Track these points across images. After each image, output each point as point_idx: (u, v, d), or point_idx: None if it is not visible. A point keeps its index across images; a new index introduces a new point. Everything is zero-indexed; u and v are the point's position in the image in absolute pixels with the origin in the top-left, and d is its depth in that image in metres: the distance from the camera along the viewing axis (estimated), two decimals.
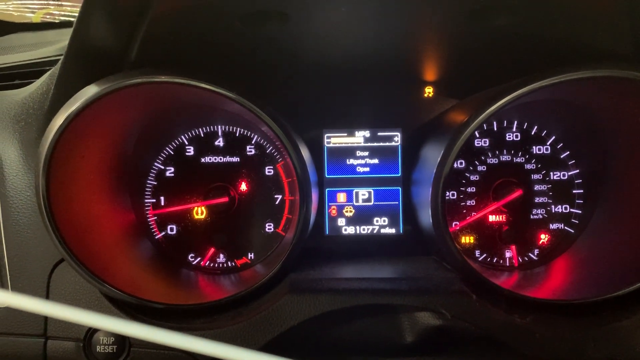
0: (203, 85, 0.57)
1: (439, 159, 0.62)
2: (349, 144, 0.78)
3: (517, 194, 0.73)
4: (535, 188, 0.75)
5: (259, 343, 0.60)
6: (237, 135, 0.76)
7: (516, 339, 0.58)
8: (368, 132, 0.77)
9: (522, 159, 0.75)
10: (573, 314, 0.61)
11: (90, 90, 0.55)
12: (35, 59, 0.83)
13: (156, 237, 0.76)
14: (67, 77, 0.61)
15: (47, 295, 0.62)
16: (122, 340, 0.61)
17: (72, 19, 1.16)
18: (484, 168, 0.76)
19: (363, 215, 0.78)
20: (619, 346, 0.58)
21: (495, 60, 0.67)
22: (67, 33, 0.58)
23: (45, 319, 0.62)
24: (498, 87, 0.61)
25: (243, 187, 0.76)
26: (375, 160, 0.78)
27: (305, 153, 0.67)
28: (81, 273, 0.58)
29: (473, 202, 0.76)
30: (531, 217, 0.76)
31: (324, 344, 0.59)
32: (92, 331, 0.61)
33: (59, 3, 1.25)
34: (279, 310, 0.60)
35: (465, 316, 0.59)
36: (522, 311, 0.61)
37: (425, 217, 0.66)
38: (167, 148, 0.75)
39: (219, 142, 0.76)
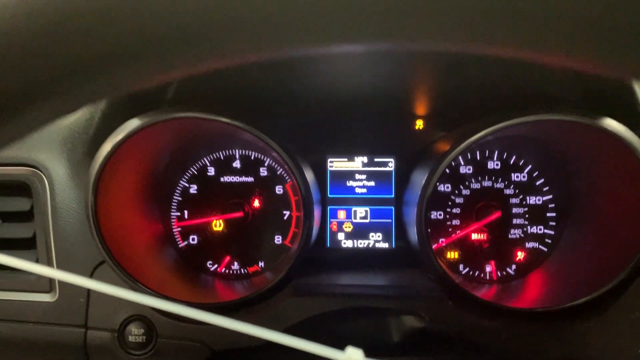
0: (223, 119, 0.69)
1: (423, 182, 0.73)
2: (349, 168, 0.88)
3: (495, 215, 0.83)
4: (513, 211, 0.85)
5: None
6: (252, 158, 0.87)
7: (484, 339, 0.68)
8: (366, 158, 0.88)
9: (502, 185, 0.85)
10: (538, 319, 0.71)
11: (133, 123, 0.67)
12: None
13: (180, 246, 0.87)
14: (111, 111, 0.74)
15: (88, 292, 0.74)
16: (150, 332, 0.72)
17: None
18: (468, 192, 0.85)
19: (360, 231, 0.88)
20: (575, 346, 0.67)
21: (475, 98, 0.78)
22: None
23: (86, 312, 0.73)
24: (468, 126, 0.72)
25: (256, 203, 0.87)
26: (372, 183, 0.88)
27: (309, 175, 0.78)
28: (118, 273, 0.69)
29: (458, 222, 0.85)
30: (509, 236, 0.85)
31: (322, 339, 0.69)
32: (125, 323, 0.72)
33: None
34: (284, 310, 0.70)
35: (441, 319, 0.70)
36: (493, 316, 0.71)
37: (413, 234, 0.77)
38: (192, 169, 0.86)
39: (236, 164, 0.87)
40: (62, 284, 0.73)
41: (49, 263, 0.74)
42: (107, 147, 0.68)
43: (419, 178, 0.76)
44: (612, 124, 0.64)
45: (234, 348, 0.71)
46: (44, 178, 0.76)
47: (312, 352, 0.46)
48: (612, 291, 0.67)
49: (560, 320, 0.69)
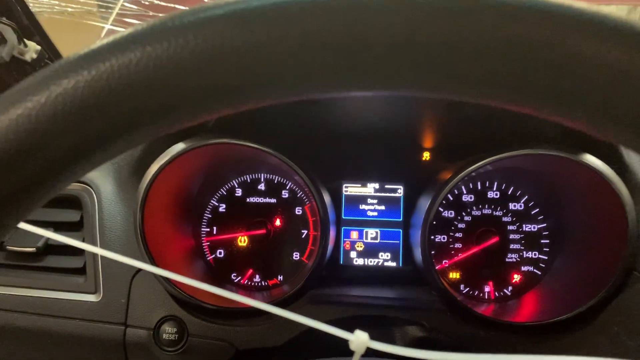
0: (256, 146, 0.79)
1: (427, 208, 0.82)
2: (362, 193, 0.97)
3: (493, 240, 0.92)
4: (510, 237, 0.93)
5: (285, 339, 0.79)
6: (275, 182, 0.97)
7: (478, 347, 0.76)
8: (377, 184, 0.97)
9: (501, 213, 0.94)
10: (528, 332, 0.78)
11: (178, 147, 0.78)
12: None
13: (208, 259, 0.97)
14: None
15: (128, 294, 0.83)
16: (182, 331, 0.81)
17: None
18: (469, 218, 0.94)
19: (370, 250, 0.97)
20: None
21: (475, 134, 0.87)
22: None
23: (126, 312, 0.82)
24: (468, 159, 0.81)
25: (277, 222, 0.96)
26: (382, 207, 0.97)
27: (327, 198, 0.88)
28: (158, 277, 0.79)
29: (460, 245, 0.94)
30: (506, 260, 0.93)
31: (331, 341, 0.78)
32: (160, 322, 0.81)
33: None
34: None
35: (440, 328, 0.78)
36: (488, 329, 0.79)
37: (418, 254, 0.86)
38: (222, 190, 0.96)
39: (261, 186, 0.97)
40: (107, 287, 0.83)
41: (94, 267, 0.83)
42: (154, 168, 0.79)
43: (424, 204, 0.85)
44: (590, 158, 0.73)
45: (257, 348, 0.79)
46: (93, 193, 0.87)
47: (325, 331, 0.55)
48: (594, 309, 0.75)
49: (548, 334, 0.77)
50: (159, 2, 1.20)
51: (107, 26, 1.27)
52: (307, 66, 0.25)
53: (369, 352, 0.61)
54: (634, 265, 0.75)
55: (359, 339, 0.53)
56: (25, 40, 1.08)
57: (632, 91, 0.23)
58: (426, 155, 0.96)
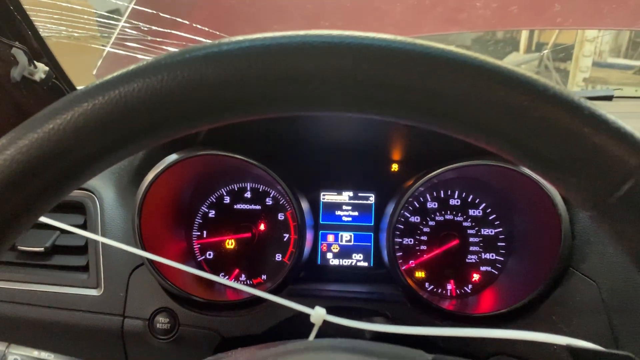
0: (242, 157, 0.90)
1: (391, 213, 0.93)
2: (338, 201, 1.08)
3: (454, 243, 1.02)
4: (470, 240, 1.04)
5: (265, 327, 0.89)
6: (260, 190, 1.08)
7: (432, 336, 0.86)
8: (351, 193, 1.08)
9: (461, 218, 1.05)
10: (481, 322, 0.89)
11: (171, 158, 0.89)
12: None
13: (199, 260, 1.07)
14: (152, 148, 0.95)
15: (126, 289, 0.93)
16: (174, 321, 0.90)
17: None
18: (433, 223, 1.05)
19: (345, 252, 1.07)
20: (507, 342, 0.85)
21: (437, 147, 0.98)
22: None
23: (124, 304, 0.92)
24: (426, 170, 0.93)
25: (262, 227, 1.07)
26: (356, 213, 1.08)
27: (305, 206, 0.99)
28: (154, 273, 0.89)
29: (425, 247, 1.04)
30: (467, 261, 1.04)
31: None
32: (154, 313, 0.91)
33: None
34: (278, 307, 0.89)
35: (401, 318, 0.88)
36: (444, 319, 0.90)
37: (385, 255, 0.96)
38: (212, 197, 1.07)
39: (247, 194, 1.08)
40: (107, 282, 0.93)
41: (97, 265, 0.94)
42: (150, 177, 0.90)
43: (390, 209, 0.96)
44: (527, 169, 0.84)
45: (240, 335, 0.90)
46: (96, 199, 0.97)
47: (289, 307, 0.65)
48: (536, 301, 0.86)
49: (496, 323, 0.87)
50: (156, 28, 1.32)
51: (107, 48, 1.39)
52: (260, 93, 0.36)
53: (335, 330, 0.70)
54: (569, 262, 0.86)
55: (317, 313, 0.64)
56: (34, 61, 1.19)
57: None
58: (395, 167, 1.07)
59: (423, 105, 0.36)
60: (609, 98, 1.44)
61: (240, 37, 0.37)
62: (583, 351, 0.48)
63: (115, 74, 0.37)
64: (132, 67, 0.38)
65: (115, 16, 1.44)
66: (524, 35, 5.61)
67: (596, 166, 0.36)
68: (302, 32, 0.37)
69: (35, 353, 0.52)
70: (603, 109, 1.05)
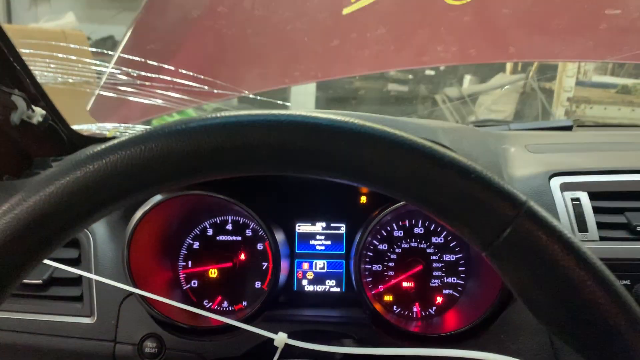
0: (219, 196, 1.00)
1: (357, 241, 1.03)
2: (312, 231, 1.17)
3: (418, 268, 1.12)
4: (433, 265, 1.13)
5: (243, 350, 0.98)
6: (240, 222, 1.17)
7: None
8: (324, 223, 1.17)
9: (425, 245, 1.14)
10: (436, 342, 0.98)
11: (157, 198, 0.98)
12: None
13: (184, 288, 1.16)
14: None
15: (117, 317, 1.02)
16: (160, 345, 0.99)
17: None
18: (400, 250, 1.14)
19: (319, 278, 1.16)
20: None
21: None
22: None
23: (116, 330, 1.01)
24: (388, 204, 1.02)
25: (242, 256, 1.16)
26: (329, 242, 1.17)
27: (280, 237, 1.08)
28: (142, 303, 0.98)
29: (392, 273, 1.14)
30: (430, 284, 1.13)
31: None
32: (143, 339, 0.99)
33: (129, 126, 1.74)
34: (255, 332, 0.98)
35: (366, 340, 0.98)
36: (404, 340, 0.99)
37: (353, 281, 1.06)
38: (196, 230, 1.17)
39: (229, 226, 1.17)
40: (100, 311, 1.01)
41: (90, 295, 1.03)
42: (138, 214, 0.99)
43: (358, 238, 1.06)
44: None
45: (221, 358, 0.98)
46: (90, 235, 1.07)
47: (253, 332, 0.74)
48: (486, 321, 0.95)
49: (450, 343, 0.96)
50: (144, 73, 1.43)
51: (97, 91, 1.50)
52: (214, 161, 0.46)
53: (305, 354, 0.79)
54: None
55: (280, 338, 0.74)
56: (32, 106, 1.29)
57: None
58: (363, 199, 1.17)
59: (345, 170, 0.47)
60: (569, 128, 1.54)
61: (202, 116, 0.47)
62: None
63: (102, 146, 0.47)
64: (115, 141, 0.48)
65: (102, 62, 1.56)
66: None
67: (483, 217, 0.46)
68: (250, 112, 0.47)
69: None
70: (562, 138, 1.17)
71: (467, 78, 5.69)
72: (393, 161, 0.46)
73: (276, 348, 0.78)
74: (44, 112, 1.31)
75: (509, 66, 5.88)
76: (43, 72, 1.36)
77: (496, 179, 0.46)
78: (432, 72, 5.84)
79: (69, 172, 0.46)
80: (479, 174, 0.46)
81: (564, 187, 1.00)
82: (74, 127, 1.41)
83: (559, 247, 0.44)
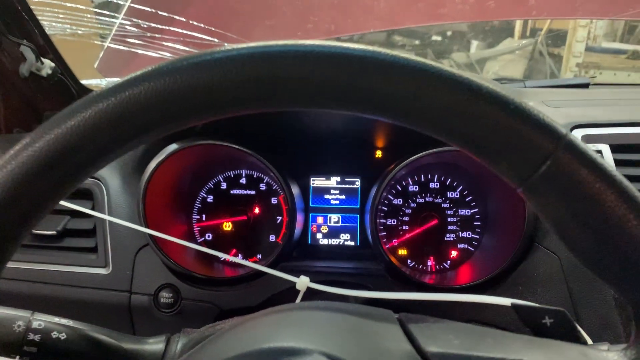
0: (234, 146, 0.99)
1: (373, 196, 1.02)
2: (326, 185, 1.16)
3: (433, 223, 1.11)
4: (448, 220, 1.13)
5: (260, 300, 0.99)
6: (255, 176, 1.16)
7: (412, 304, 0.95)
8: (339, 178, 1.16)
9: (440, 200, 1.13)
10: (456, 293, 0.98)
11: (172, 147, 0.97)
12: None
13: (199, 241, 1.16)
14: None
15: (133, 267, 1.02)
16: (176, 296, 0.99)
17: None
18: (415, 205, 1.14)
19: (333, 232, 1.16)
20: (476, 312, 0.94)
21: (418, 134, 1.07)
22: None
23: (131, 281, 1.01)
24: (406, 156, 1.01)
25: (256, 210, 1.15)
26: (343, 197, 1.16)
27: (295, 190, 1.07)
28: (158, 253, 0.98)
29: (407, 227, 1.13)
30: (445, 239, 1.13)
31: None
32: (159, 289, 0.99)
33: None
34: (273, 281, 0.98)
35: (381, 289, 0.97)
36: (421, 291, 0.98)
37: (369, 234, 1.05)
38: (209, 183, 1.16)
39: (243, 180, 1.16)
40: (115, 262, 1.01)
41: (104, 246, 1.02)
42: (152, 165, 0.98)
43: (374, 192, 1.05)
44: None
45: (237, 308, 0.99)
46: (103, 186, 1.06)
47: (269, 281, 0.73)
48: (504, 273, 0.95)
49: (467, 293, 0.96)
50: (154, 25, 1.39)
51: (107, 44, 1.46)
52: (247, 93, 0.44)
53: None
54: (534, 238, 0.95)
55: (302, 281, 0.73)
56: (41, 58, 1.27)
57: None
58: (379, 154, 1.15)
59: (378, 104, 0.45)
60: (585, 86, 1.51)
61: (229, 46, 0.45)
62: (524, 307, 0.57)
63: (124, 78, 0.45)
64: (138, 72, 0.46)
65: (112, 13, 1.52)
66: (519, 21, 5.64)
67: (521, 151, 0.44)
68: (278, 42, 0.45)
69: (57, 319, 0.61)
70: (578, 95, 1.14)
71: (475, 44, 5.60)
72: (427, 93, 0.44)
73: (294, 297, 0.78)
74: (52, 64, 1.29)
75: (517, 31, 5.78)
76: (51, 22, 1.34)
77: (536, 110, 0.45)
78: (438, 38, 5.75)
79: (92, 104, 0.44)
80: (518, 105, 0.44)
81: (585, 140, 0.99)
82: (83, 81, 1.39)
83: (600, 181, 0.43)
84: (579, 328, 0.54)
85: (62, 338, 0.61)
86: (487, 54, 5.53)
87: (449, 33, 5.68)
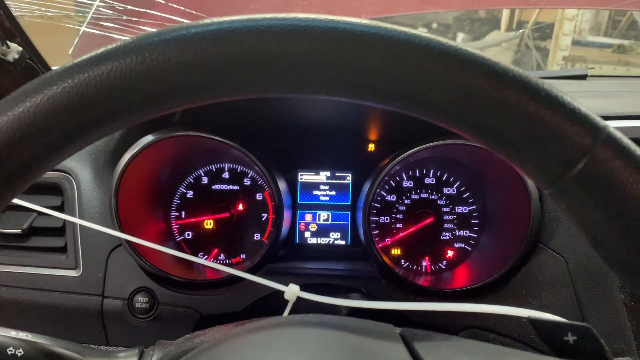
0: (218, 138, 0.91)
1: (366, 192, 0.95)
2: (315, 180, 1.09)
3: (428, 220, 1.05)
4: (444, 217, 1.06)
5: (243, 305, 0.91)
6: (238, 170, 1.08)
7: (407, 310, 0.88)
8: (329, 172, 1.09)
9: (436, 197, 1.07)
10: (452, 298, 0.92)
11: (147, 139, 0.89)
12: None
13: (177, 240, 1.08)
14: (128, 129, 0.95)
15: (105, 269, 0.93)
16: (153, 300, 0.92)
17: None
18: (409, 201, 1.07)
19: (323, 231, 1.09)
20: (477, 318, 0.88)
21: (413, 127, 1.00)
22: None
23: (103, 284, 0.93)
24: (401, 150, 0.94)
25: (240, 207, 1.08)
26: (333, 192, 1.09)
27: (282, 186, 1.00)
28: (132, 254, 0.90)
29: (401, 225, 1.06)
30: (441, 238, 1.06)
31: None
32: (133, 293, 0.92)
33: None
34: (258, 285, 0.91)
35: (376, 294, 0.91)
36: (416, 295, 0.92)
37: (361, 233, 0.98)
38: (189, 177, 1.07)
39: (225, 174, 1.08)
40: (86, 262, 0.93)
41: (74, 246, 0.94)
42: (126, 157, 0.90)
43: (366, 188, 0.98)
44: None
45: (219, 313, 0.91)
46: (73, 181, 0.97)
47: (254, 285, 0.66)
48: (506, 275, 0.89)
49: (468, 298, 0.90)
50: (131, 8, 1.30)
51: (83, 28, 1.36)
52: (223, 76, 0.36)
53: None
54: (538, 238, 0.88)
55: (291, 290, 0.66)
56: (7, 41, 1.17)
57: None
58: (371, 147, 1.08)
59: (384, 89, 0.38)
60: (583, 77, 1.46)
61: (207, 20, 0.37)
62: (543, 322, 0.50)
63: (84, 56, 0.38)
64: (101, 49, 0.38)
65: None
66: (505, 13, 5.62)
67: (552, 146, 0.37)
68: (266, 15, 0.38)
69: (13, 333, 0.53)
70: (577, 87, 1.07)
71: (460, 36, 5.57)
72: (444, 75, 0.37)
73: (280, 303, 0.71)
74: (20, 48, 1.19)
75: (503, 23, 5.75)
76: (18, 3, 1.24)
77: (570, 99, 0.38)
78: (424, 30, 5.70)
79: (44, 87, 0.37)
80: (550, 92, 0.37)
81: None
82: (55, 68, 1.30)
83: None
84: (606, 348, 0.48)
85: (19, 354, 0.53)
86: (473, 47, 5.49)
87: (434, 25, 5.63)
